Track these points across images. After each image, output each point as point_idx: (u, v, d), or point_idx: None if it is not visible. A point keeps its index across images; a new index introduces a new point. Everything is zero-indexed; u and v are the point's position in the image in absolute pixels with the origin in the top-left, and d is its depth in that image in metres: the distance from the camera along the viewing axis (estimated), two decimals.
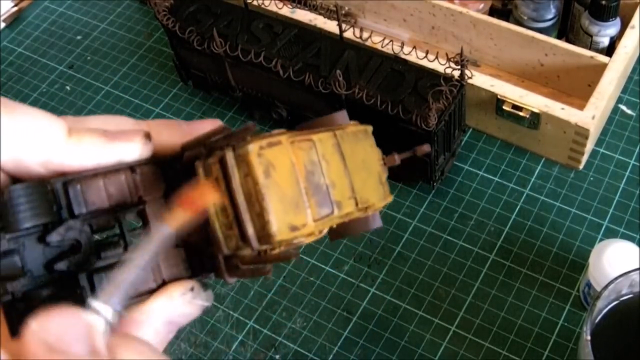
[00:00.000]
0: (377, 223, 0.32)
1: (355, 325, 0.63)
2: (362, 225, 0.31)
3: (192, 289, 0.28)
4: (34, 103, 0.85)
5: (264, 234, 0.26)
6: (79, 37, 0.92)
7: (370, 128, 0.33)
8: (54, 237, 0.26)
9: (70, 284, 0.26)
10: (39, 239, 0.26)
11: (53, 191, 0.26)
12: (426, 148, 0.36)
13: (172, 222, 0.25)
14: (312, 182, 0.27)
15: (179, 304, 0.28)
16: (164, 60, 0.87)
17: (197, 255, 0.29)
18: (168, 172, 0.29)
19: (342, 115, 0.32)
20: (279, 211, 0.26)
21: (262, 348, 0.63)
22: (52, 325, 0.22)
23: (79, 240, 0.27)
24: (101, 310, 0.23)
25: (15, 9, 0.95)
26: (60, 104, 0.85)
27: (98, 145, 0.26)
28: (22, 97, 0.86)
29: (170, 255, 0.29)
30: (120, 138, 0.27)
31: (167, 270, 0.28)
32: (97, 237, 0.28)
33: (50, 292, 0.26)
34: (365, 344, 0.62)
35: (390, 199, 0.32)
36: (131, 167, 0.28)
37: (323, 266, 0.67)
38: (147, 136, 0.28)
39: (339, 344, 0.63)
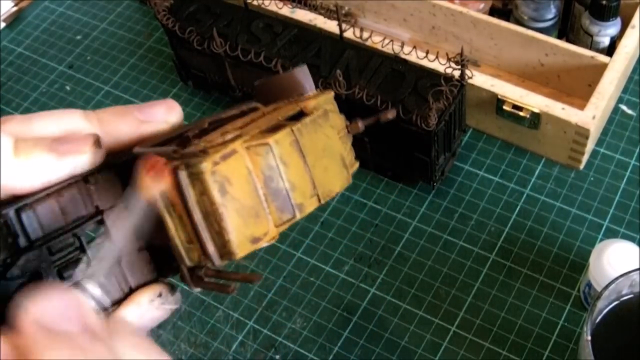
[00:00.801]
0: None
1: (355, 325, 0.63)
2: None
3: (160, 295, 0.28)
4: (34, 103, 0.85)
5: (225, 251, 0.25)
6: (78, 37, 0.92)
7: (330, 95, 0.32)
8: (14, 272, 0.25)
9: None
10: None
11: (6, 223, 0.25)
12: (390, 115, 0.35)
13: (145, 191, 0.25)
14: (271, 187, 0.27)
15: (148, 311, 0.27)
16: (163, 60, 0.87)
17: (161, 255, 0.28)
18: (123, 173, 0.28)
19: (302, 71, 0.32)
20: (239, 226, 0.25)
21: (262, 348, 0.63)
22: (47, 305, 0.22)
23: (39, 271, 0.26)
24: (89, 287, 0.23)
25: (15, 9, 0.95)
26: (60, 104, 0.85)
27: (47, 163, 0.25)
28: (21, 97, 0.86)
29: (135, 260, 0.28)
30: (70, 150, 0.26)
31: (133, 277, 0.28)
32: (57, 255, 0.27)
33: None
34: (365, 344, 0.62)
35: (350, 181, 0.31)
36: (84, 178, 0.27)
37: (323, 266, 0.67)
38: (97, 143, 0.26)
39: (339, 344, 0.62)
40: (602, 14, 0.70)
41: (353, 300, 0.65)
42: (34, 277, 0.26)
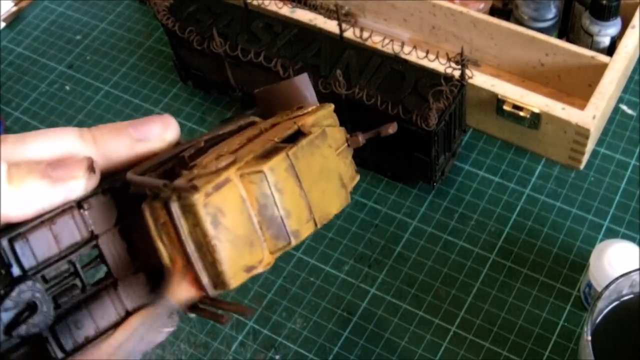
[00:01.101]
0: None
1: (355, 326, 0.63)
2: None
3: (157, 319, 0.27)
4: (34, 103, 0.85)
5: (219, 282, 0.25)
6: (78, 37, 0.92)
7: (329, 109, 0.31)
8: (8, 304, 0.25)
9: (37, 340, 0.26)
10: None
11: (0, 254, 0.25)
12: (391, 130, 0.34)
13: (175, 295, 0.25)
14: (266, 215, 0.26)
15: (145, 335, 0.27)
16: (163, 60, 0.87)
17: (158, 277, 0.28)
18: (118, 197, 0.28)
19: (303, 80, 0.31)
20: (233, 257, 0.25)
21: (262, 348, 0.63)
22: None
23: (34, 301, 0.25)
24: None
25: (15, 8, 0.95)
26: (59, 103, 0.85)
27: (41, 190, 0.25)
28: (21, 96, 0.86)
29: (131, 283, 0.28)
30: (63, 177, 0.25)
31: (129, 300, 0.28)
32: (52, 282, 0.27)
33: (19, 353, 0.25)
34: (365, 344, 0.62)
35: (349, 201, 0.31)
36: (78, 203, 0.27)
37: (323, 266, 0.67)
38: (91, 167, 0.26)
39: (339, 344, 0.62)
40: (603, 14, 0.70)
41: (353, 300, 0.65)
42: (29, 308, 0.25)
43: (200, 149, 0.28)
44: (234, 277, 0.25)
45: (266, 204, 0.26)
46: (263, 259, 0.26)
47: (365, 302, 0.65)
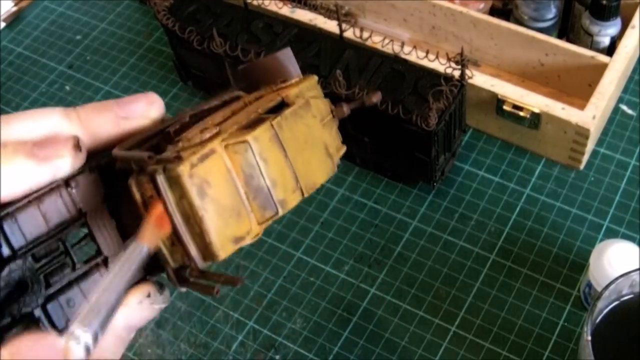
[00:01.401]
0: None
1: (355, 326, 0.63)
2: None
3: (148, 295, 0.27)
4: (34, 103, 0.85)
5: (207, 253, 0.25)
6: (78, 37, 0.92)
7: (313, 81, 0.31)
8: (0, 282, 0.25)
9: (30, 318, 0.26)
10: None
11: None
12: (375, 98, 0.34)
13: (146, 239, 0.25)
14: (252, 185, 0.26)
15: (137, 312, 0.27)
16: (163, 60, 0.87)
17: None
18: (105, 174, 0.28)
19: (286, 54, 0.31)
20: (220, 228, 0.25)
21: (262, 348, 0.63)
22: (26, 354, 0.21)
23: (24, 280, 0.25)
24: (80, 335, 0.22)
25: (15, 8, 0.95)
26: (59, 103, 0.85)
27: (28, 170, 0.25)
28: (21, 96, 0.86)
29: None
30: (50, 156, 0.25)
31: None
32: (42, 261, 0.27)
33: (12, 332, 0.25)
34: (365, 344, 0.62)
35: (335, 170, 0.31)
36: (66, 182, 0.26)
37: (323, 266, 0.67)
38: (77, 146, 0.26)
39: (339, 344, 0.62)
40: (602, 14, 0.70)
41: (353, 300, 0.65)
42: (20, 287, 0.25)
43: (185, 124, 0.29)
44: (223, 248, 0.25)
45: (252, 174, 0.26)
46: (251, 229, 0.26)
47: (365, 302, 0.65)
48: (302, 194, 0.28)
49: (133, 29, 0.91)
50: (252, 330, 0.64)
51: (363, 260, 0.67)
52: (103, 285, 0.24)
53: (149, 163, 0.25)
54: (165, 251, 0.26)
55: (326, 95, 0.32)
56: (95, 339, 0.22)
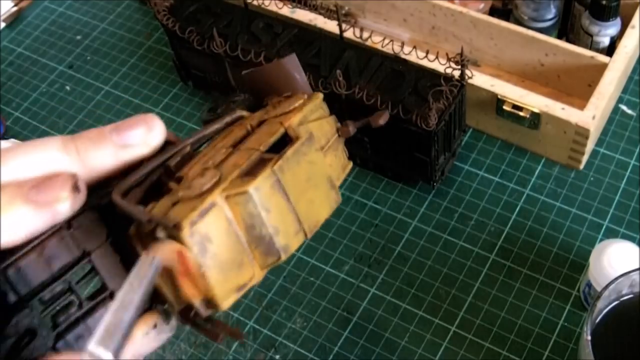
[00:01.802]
0: None
1: (355, 325, 0.63)
2: None
3: (154, 326, 0.27)
4: (34, 103, 0.85)
5: (211, 305, 0.26)
6: (78, 37, 0.92)
7: (317, 101, 0.31)
8: (10, 331, 0.25)
9: None
10: None
11: None
12: (382, 120, 0.34)
13: (159, 252, 0.25)
14: (254, 234, 0.26)
15: (144, 344, 0.27)
16: (164, 60, 0.87)
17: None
18: (106, 212, 0.27)
19: (291, 61, 0.31)
20: (223, 282, 0.25)
21: (262, 348, 0.63)
22: None
23: (32, 327, 0.25)
24: (102, 354, 0.22)
25: (15, 9, 0.95)
26: (60, 104, 0.85)
27: (26, 216, 0.24)
28: (22, 97, 0.86)
29: None
30: (48, 200, 0.24)
31: None
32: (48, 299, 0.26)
33: None
34: (365, 344, 0.62)
35: (339, 200, 0.30)
36: (67, 223, 0.26)
37: (323, 266, 0.67)
38: (75, 187, 0.25)
39: (339, 344, 0.62)
40: (602, 14, 0.70)
41: (353, 300, 0.65)
42: (28, 333, 0.25)
43: (186, 156, 0.28)
44: (226, 299, 0.26)
45: (253, 224, 0.26)
46: (254, 275, 0.27)
47: (365, 301, 0.65)
48: (306, 235, 0.28)
49: (133, 29, 0.91)
50: (252, 330, 0.64)
51: (363, 260, 0.67)
52: (117, 302, 0.23)
53: (148, 227, 0.25)
54: (170, 298, 0.26)
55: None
56: (116, 357, 0.22)
